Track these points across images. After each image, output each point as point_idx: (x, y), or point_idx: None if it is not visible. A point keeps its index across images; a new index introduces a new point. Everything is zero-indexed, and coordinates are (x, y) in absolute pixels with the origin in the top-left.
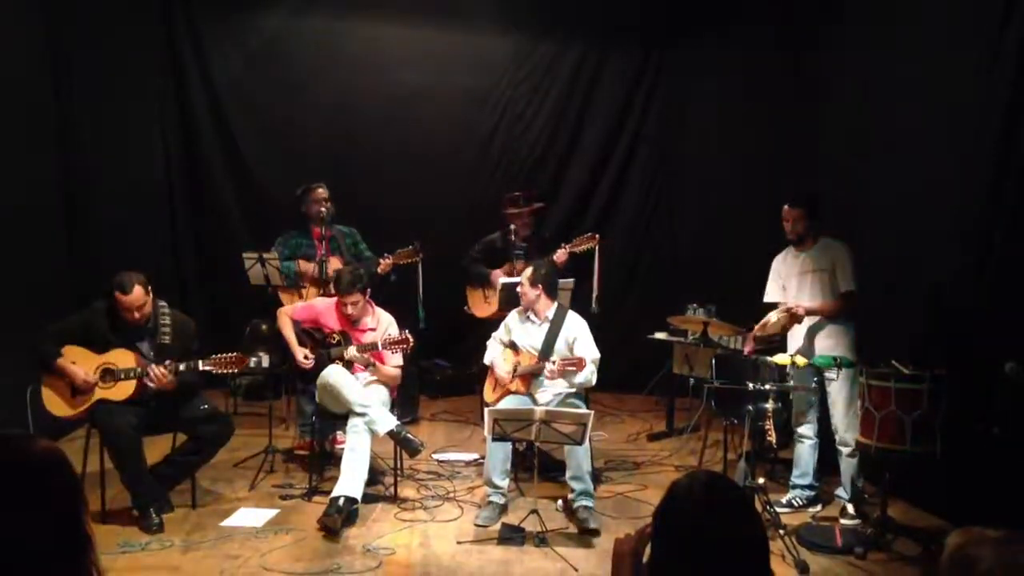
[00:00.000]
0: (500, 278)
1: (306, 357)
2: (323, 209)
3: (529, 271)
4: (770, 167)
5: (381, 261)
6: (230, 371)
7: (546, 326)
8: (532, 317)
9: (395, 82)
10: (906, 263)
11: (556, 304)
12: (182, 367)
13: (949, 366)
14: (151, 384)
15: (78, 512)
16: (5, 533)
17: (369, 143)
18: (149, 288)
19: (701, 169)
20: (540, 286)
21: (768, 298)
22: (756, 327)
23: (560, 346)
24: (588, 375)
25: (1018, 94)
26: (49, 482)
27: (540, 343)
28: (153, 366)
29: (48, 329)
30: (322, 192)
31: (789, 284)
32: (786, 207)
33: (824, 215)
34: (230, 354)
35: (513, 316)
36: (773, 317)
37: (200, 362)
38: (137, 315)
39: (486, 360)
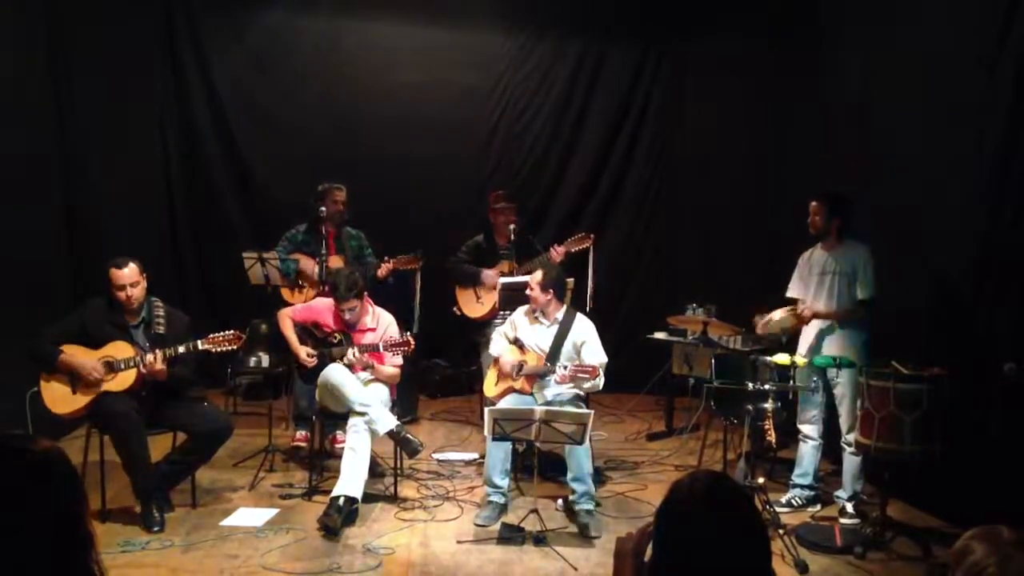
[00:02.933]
0: (499, 279)
1: (308, 355)
2: (340, 210)
3: (539, 275)
4: (770, 166)
5: (382, 264)
6: (229, 348)
7: (555, 327)
8: (541, 318)
9: (395, 80)
10: (906, 264)
11: (566, 306)
12: (181, 349)
13: (948, 367)
14: (143, 370)
15: (79, 511)
16: (7, 532)
17: (369, 141)
18: (144, 274)
19: (701, 168)
20: (551, 291)
21: (790, 293)
22: (759, 323)
23: (567, 348)
24: (597, 382)
25: (1020, 93)
26: (50, 481)
27: (548, 344)
28: (149, 355)
29: (44, 332)
30: (341, 194)
31: (809, 281)
32: (811, 201)
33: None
34: (227, 332)
35: (520, 314)
36: (777, 315)
37: (199, 342)
38: (130, 292)
39: (492, 352)
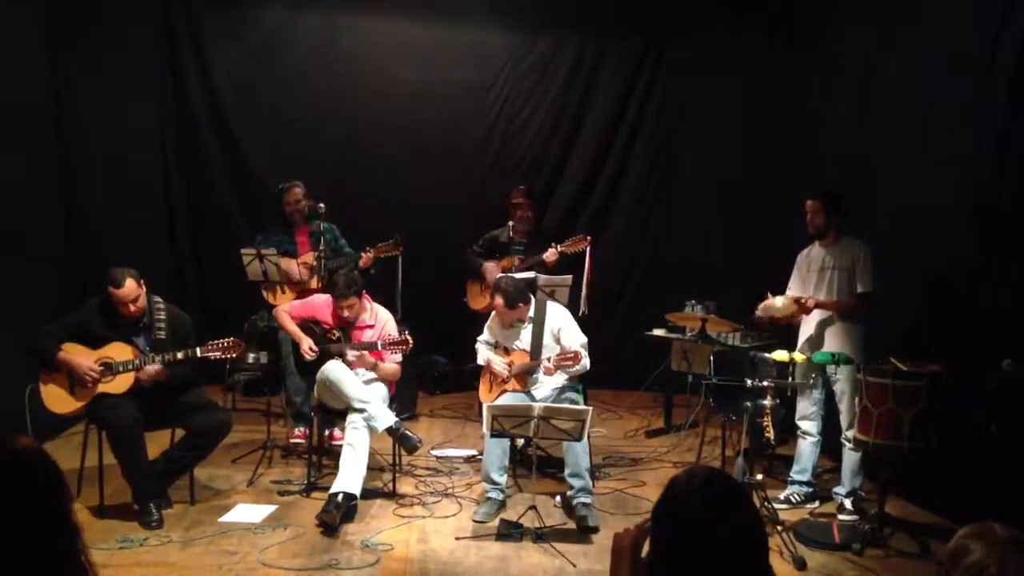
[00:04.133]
0: (495, 273)
1: (311, 348)
2: (304, 206)
3: (499, 299)
4: (768, 163)
5: (362, 255)
6: (228, 356)
7: (530, 322)
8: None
9: (393, 77)
10: (904, 261)
11: (534, 301)
12: (180, 355)
13: (947, 363)
14: (143, 379)
15: (62, 507)
16: None
17: (367, 138)
18: (142, 282)
19: (699, 165)
20: (520, 304)
21: (790, 292)
22: (759, 308)
23: (547, 339)
24: (584, 363)
25: (1018, 91)
26: (30, 480)
27: (528, 341)
28: (146, 364)
29: (44, 329)
30: (298, 192)
31: (808, 279)
32: (808, 200)
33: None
34: (227, 339)
35: (495, 320)
36: (778, 302)
37: (198, 349)
38: (132, 308)
39: (480, 361)
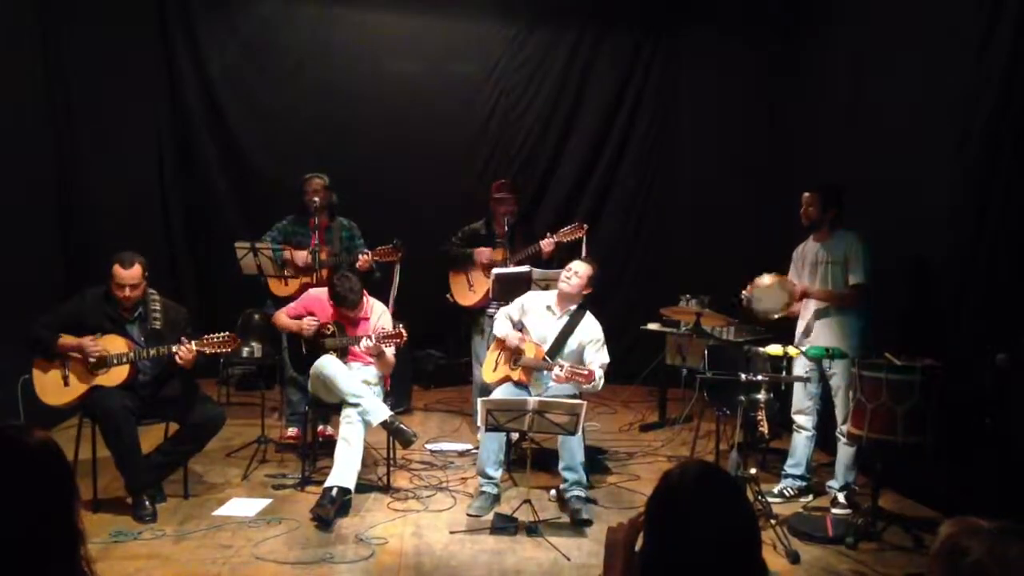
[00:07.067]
0: (486, 256)
1: (308, 325)
2: (316, 199)
3: (588, 269)
4: (765, 157)
5: (360, 257)
6: (222, 351)
7: (564, 321)
8: (553, 307)
9: (390, 69)
10: (900, 256)
11: (577, 304)
12: (174, 348)
13: (941, 357)
14: (179, 360)
15: (71, 505)
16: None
17: (364, 131)
18: (147, 274)
19: (695, 158)
20: (592, 288)
21: None
22: (747, 288)
23: (571, 347)
24: (597, 384)
25: (1006, 92)
26: (44, 475)
27: (552, 337)
28: (181, 346)
29: (39, 319)
30: (318, 182)
31: (803, 273)
32: (805, 193)
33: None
34: (222, 334)
35: (532, 299)
36: (766, 279)
37: (192, 343)
38: (129, 292)
39: (496, 332)
